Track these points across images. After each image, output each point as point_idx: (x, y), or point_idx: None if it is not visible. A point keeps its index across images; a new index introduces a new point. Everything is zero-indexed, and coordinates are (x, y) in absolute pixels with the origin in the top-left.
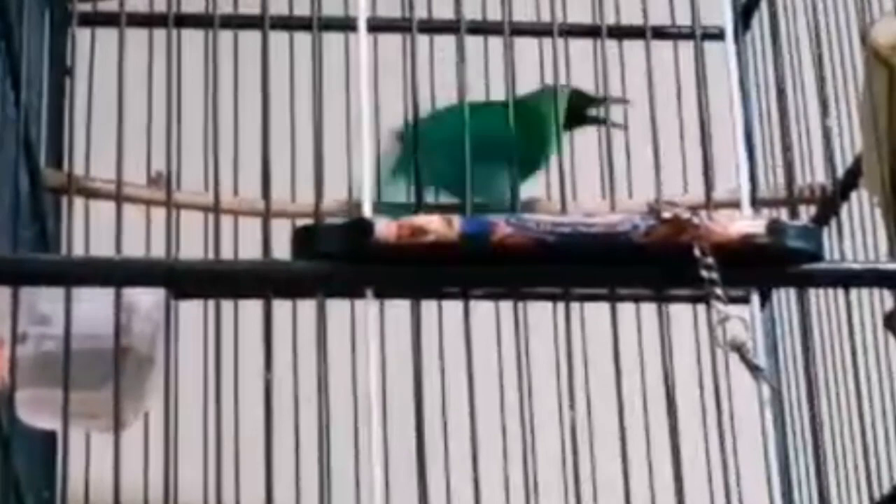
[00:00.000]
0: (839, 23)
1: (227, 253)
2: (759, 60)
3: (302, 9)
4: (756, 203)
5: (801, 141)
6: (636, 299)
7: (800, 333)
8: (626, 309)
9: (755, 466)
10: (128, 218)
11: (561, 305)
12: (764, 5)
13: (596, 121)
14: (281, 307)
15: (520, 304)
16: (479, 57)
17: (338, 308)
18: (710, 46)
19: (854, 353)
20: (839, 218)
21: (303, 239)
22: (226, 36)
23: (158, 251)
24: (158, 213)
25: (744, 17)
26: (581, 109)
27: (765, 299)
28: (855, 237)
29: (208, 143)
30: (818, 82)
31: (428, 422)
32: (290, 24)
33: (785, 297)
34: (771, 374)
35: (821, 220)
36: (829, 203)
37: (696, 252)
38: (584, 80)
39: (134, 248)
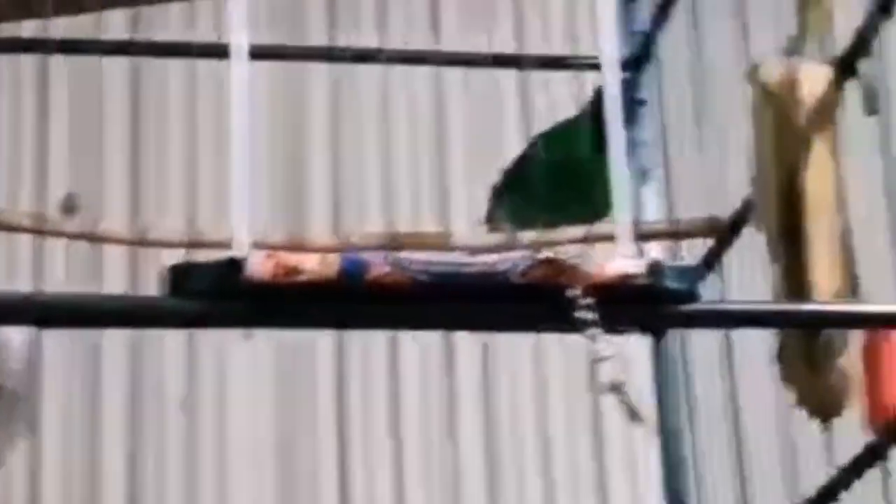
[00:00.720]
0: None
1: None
2: (663, 91)
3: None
4: (652, 236)
5: (698, 175)
6: None
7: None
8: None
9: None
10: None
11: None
12: (663, 38)
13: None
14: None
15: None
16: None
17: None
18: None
19: (733, 390)
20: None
21: (174, 276)
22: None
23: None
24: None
25: (643, 49)
26: None
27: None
28: (749, 271)
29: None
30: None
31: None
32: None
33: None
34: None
35: (715, 254)
36: (723, 238)
37: (573, 293)
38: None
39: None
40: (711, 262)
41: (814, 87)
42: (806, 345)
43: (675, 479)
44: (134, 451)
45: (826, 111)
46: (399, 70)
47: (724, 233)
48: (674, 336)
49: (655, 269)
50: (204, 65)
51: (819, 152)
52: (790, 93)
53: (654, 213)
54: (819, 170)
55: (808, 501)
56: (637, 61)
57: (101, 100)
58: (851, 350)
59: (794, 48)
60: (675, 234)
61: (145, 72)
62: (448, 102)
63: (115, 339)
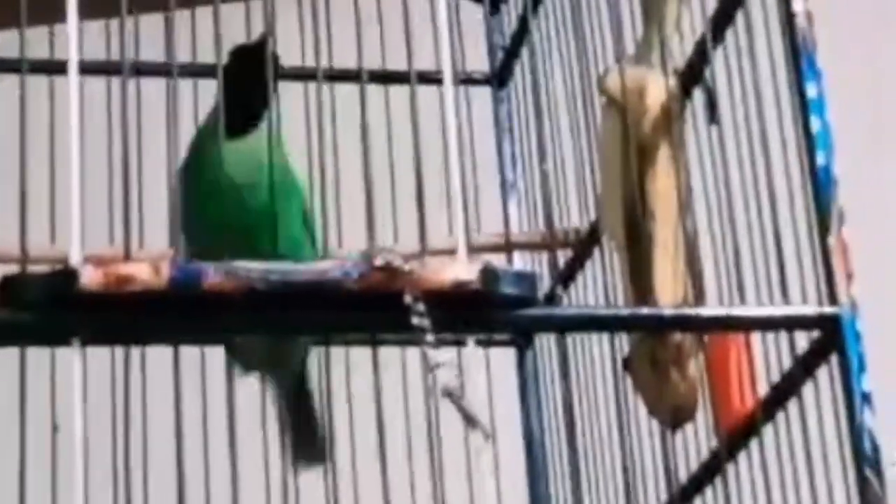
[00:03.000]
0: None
1: None
2: (522, 107)
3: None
4: (511, 247)
5: (560, 186)
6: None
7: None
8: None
9: None
10: None
11: None
12: (525, 53)
13: None
14: None
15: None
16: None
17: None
18: (476, 91)
19: (570, 399)
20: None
21: (6, 288)
22: None
23: None
24: None
25: (505, 63)
26: None
27: (527, 344)
28: (607, 280)
29: None
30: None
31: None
32: None
33: (547, 342)
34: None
35: (576, 263)
36: (582, 247)
37: (408, 299)
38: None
39: None
40: (567, 273)
41: (659, 95)
42: (655, 351)
43: (538, 486)
44: None
45: (671, 119)
46: None
47: (580, 244)
48: (543, 343)
49: (489, 274)
50: (34, 80)
51: (663, 160)
52: (637, 101)
53: (516, 225)
54: (663, 177)
55: None
56: (501, 76)
57: None
58: (700, 356)
59: (641, 57)
60: (529, 245)
61: None
62: None
63: None
